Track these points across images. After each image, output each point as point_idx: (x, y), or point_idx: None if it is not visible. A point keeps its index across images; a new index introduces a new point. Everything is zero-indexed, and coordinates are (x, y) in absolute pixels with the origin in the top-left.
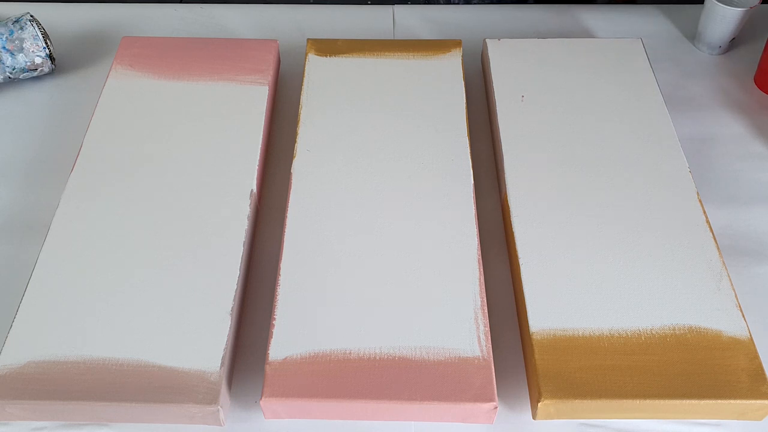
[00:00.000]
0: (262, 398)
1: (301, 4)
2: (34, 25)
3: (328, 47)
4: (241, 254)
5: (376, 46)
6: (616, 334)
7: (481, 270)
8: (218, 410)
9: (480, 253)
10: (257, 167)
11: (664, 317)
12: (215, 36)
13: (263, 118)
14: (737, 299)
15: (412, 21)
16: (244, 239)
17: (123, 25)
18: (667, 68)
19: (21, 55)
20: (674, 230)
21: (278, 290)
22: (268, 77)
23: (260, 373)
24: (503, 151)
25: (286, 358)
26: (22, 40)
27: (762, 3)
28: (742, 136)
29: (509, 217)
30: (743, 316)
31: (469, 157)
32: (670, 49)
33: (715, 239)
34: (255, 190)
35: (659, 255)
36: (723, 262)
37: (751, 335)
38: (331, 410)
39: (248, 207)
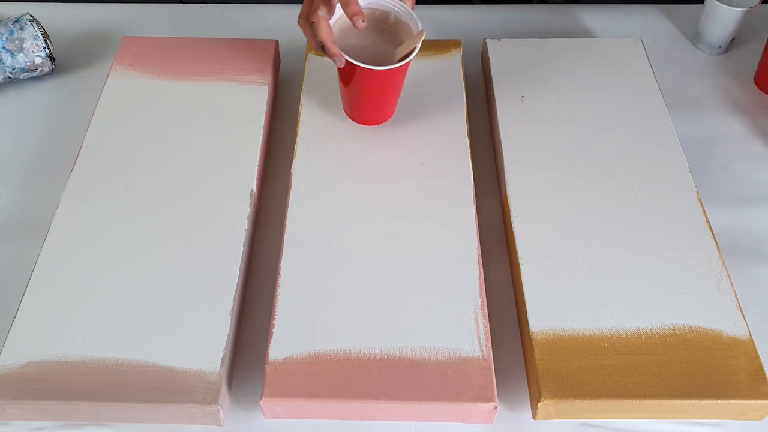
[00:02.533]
0: (262, 398)
1: (300, 4)
2: (34, 25)
3: None
4: (241, 254)
5: None
6: (616, 334)
7: (481, 270)
8: (218, 410)
9: (480, 253)
10: (257, 167)
11: (664, 317)
12: (215, 36)
13: (263, 118)
14: (737, 299)
15: None
16: (244, 239)
17: (123, 25)
18: (667, 68)
19: (21, 55)
20: (674, 230)
21: (278, 290)
22: (268, 77)
23: (260, 373)
24: (503, 151)
25: (286, 358)
26: (22, 40)
27: (762, 3)
28: (742, 136)
29: (509, 217)
30: (743, 316)
31: (469, 157)
32: (670, 49)
33: (715, 239)
34: (255, 190)
35: (659, 255)
36: (723, 262)
37: (751, 335)
38: (331, 410)
39: (248, 207)
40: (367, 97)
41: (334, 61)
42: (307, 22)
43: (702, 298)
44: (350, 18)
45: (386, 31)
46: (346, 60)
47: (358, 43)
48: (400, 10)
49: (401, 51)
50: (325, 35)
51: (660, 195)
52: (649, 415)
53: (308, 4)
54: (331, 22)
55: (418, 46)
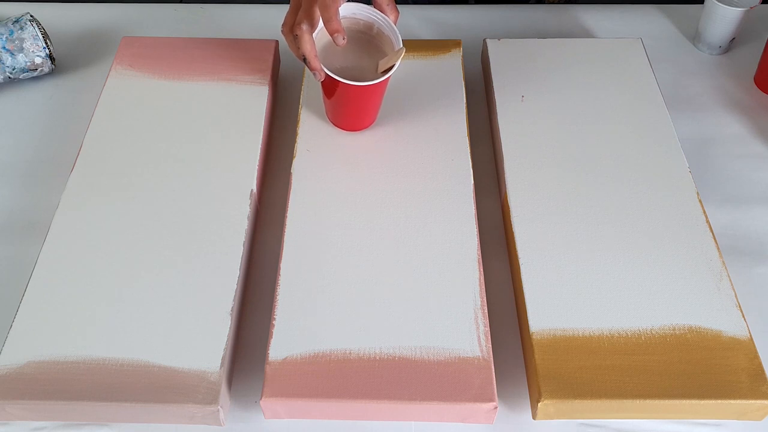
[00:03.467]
0: (262, 398)
1: None
2: (34, 25)
3: None
4: (241, 254)
5: None
6: (616, 334)
7: (481, 270)
8: (218, 410)
9: (480, 253)
10: (257, 167)
11: (664, 317)
12: (215, 36)
13: (263, 118)
14: (737, 299)
15: (412, 21)
16: (244, 239)
17: (123, 25)
18: (667, 68)
19: (21, 55)
20: (674, 230)
21: (278, 290)
22: (268, 77)
23: (260, 373)
24: (503, 151)
25: (286, 358)
26: (22, 40)
27: (762, 3)
28: (742, 136)
29: (509, 217)
30: (743, 316)
31: (469, 157)
32: (670, 49)
33: (715, 239)
34: (255, 190)
35: (659, 255)
36: (723, 262)
37: (751, 335)
38: (331, 410)
39: (248, 207)
40: (346, 108)
41: (314, 74)
42: (291, 33)
43: (702, 298)
44: (330, 35)
45: (369, 42)
46: (327, 74)
47: (341, 53)
48: (383, 23)
49: (383, 64)
50: (307, 49)
51: (660, 195)
52: (649, 415)
53: (292, 14)
54: (315, 32)
55: (397, 63)
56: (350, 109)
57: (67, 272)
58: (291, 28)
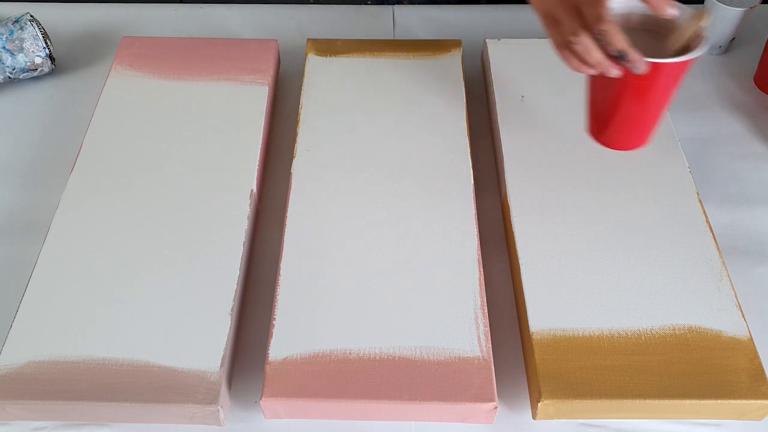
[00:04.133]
0: (262, 398)
1: (301, 4)
2: (34, 25)
3: (328, 47)
4: (241, 254)
5: (376, 46)
6: (616, 334)
7: (481, 270)
8: (218, 410)
9: (480, 253)
10: (257, 167)
11: (664, 317)
12: (215, 36)
13: (263, 118)
14: (737, 299)
15: (412, 21)
16: (244, 239)
17: (123, 25)
18: None
19: (21, 55)
20: (674, 230)
21: (278, 290)
22: (268, 77)
23: (260, 373)
24: (503, 151)
25: (286, 358)
26: (22, 40)
27: (762, 3)
28: (742, 136)
29: (509, 217)
30: (743, 316)
31: (469, 157)
32: None
33: (715, 239)
34: (255, 190)
35: (659, 255)
36: (723, 262)
37: (751, 335)
38: (331, 410)
39: (248, 207)
40: (650, 106)
41: (634, 67)
42: (593, 35)
43: (702, 298)
44: (657, 9)
45: (634, 33)
46: (648, 61)
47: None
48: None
49: (677, 39)
50: (623, 41)
51: (660, 195)
52: (649, 415)
53: (571, 19)
54: None
55: (706, 24)
56: (656, 105)
57: (67, 272)
58: (590, 28)
